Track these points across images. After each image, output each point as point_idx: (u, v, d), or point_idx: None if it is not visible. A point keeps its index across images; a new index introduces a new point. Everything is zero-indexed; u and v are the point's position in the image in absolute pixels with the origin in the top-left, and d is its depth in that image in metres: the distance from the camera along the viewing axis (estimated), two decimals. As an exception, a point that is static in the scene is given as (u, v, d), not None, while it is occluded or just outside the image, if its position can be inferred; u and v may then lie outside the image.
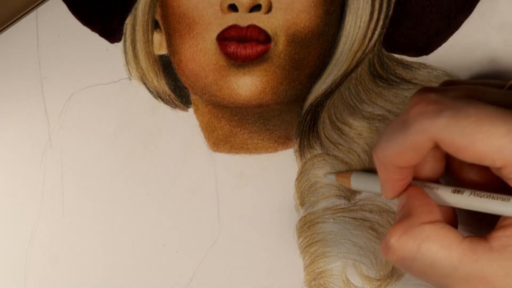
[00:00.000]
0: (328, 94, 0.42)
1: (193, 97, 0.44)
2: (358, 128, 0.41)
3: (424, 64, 0.41)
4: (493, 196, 0.31)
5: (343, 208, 0.41)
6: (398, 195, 0.34)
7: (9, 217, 0.46)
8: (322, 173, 0.42)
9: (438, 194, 0.33)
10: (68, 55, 0.46)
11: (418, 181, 0.34)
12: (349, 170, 0.41)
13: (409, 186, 0.34)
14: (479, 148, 0.28)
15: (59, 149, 0.46)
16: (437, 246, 0.30)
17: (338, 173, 0.41)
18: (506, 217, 0.30)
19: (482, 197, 0.31)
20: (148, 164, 0.45)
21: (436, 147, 0.30)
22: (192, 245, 0.43)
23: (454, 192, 0.32)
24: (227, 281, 0.43)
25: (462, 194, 0.32)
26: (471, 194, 0.32)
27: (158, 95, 0.45)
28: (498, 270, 0.29)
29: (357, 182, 0.39)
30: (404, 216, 0.32)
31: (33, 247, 0.46)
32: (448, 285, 0.31)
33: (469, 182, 0.34)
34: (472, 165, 0.34)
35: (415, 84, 0.41)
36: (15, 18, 0.47)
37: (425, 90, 0.32)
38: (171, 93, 0.44)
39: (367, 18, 0.41)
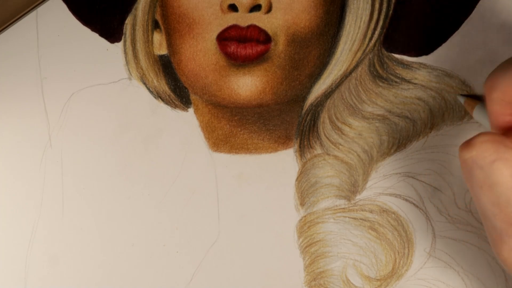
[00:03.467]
0: (328, 94, 0.42)
1: (193, 97, 0.44)
2: (358, 128, 0.41)
3: (424, 64, 0.41)
4: None
5: (343, 208, 0.41)
6: (502, 130, 0.33)
7: (9, 217, 0.46)
8: (322, 173, 0.42)
9: None
10: (68, 55, 0.46)
11: None
12: (477, 100, 0.38)
13: None
14: None
15: (59, 149, 0.46)
16: (508, 173, 0.30)
17: (468, 98, 0.39)
18: None
19: None
20: (148, 164, 0.45)
21: None
22: (192, 245, 0.43)
23: None
24: (227, 281, 0.43)
25: None
26: None
27: (158, 95, 0.45)
28: None
29: (479, 114, 0.37)
30: (503, 133, 0.31)
31: (33, 247, 0.46)
32: (492, 216, 0.30)
33: None
34: None
35: (415, 84, 0.41)
36: (15, 18, 0.47)
37: None
38: (171, 93, 0.44)
39: (367, 18, 0.41)
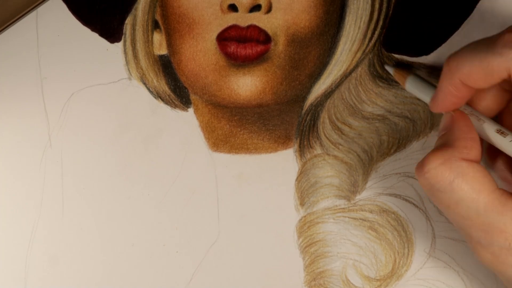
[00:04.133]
0: (328, 94, 0.42)
1: (193, 97, 0.44)
2: (358, 128, 0.41)
3: (424, 64, 0.41)
4: None
5: (343, 208, 0.41)
6: (444, 110, 0.33)
7: (9, 217, 0.46)
8: (322, 173, 0.42)
9: (482, 128, 0.33)
10: (68, 55, 0.46)
11: (468, 107, 0.34)
12: (409, 71, 0.39)
13: (457, 110, 0.33)
14: None
15: (59, 149, 0.46)
16: (469, 187, 0.30)
17: (397, 68, 0.39)
18: None
19: None
20: (148, 164, 0.45)
21: (506, 84, 0.30)
22: (192, 245, 0.43)
23: (498, 132, 0.32)
24: (227, 281, 0.43)
25: (505, 137, 0.32)
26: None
27: (158, 95, 0.45)
28: None
29: (412, 85, 0.38)
30: (446, 145, 0.32)
31: (33, 247, 0.46)
32: (466, 227, 0.31)
33: None
34: None
35: (415, 84, 0.41)
36: (15, 18, 0.47)
37: None
38: (171, 93, 0.44)
39: (367, 18, 0.41)
